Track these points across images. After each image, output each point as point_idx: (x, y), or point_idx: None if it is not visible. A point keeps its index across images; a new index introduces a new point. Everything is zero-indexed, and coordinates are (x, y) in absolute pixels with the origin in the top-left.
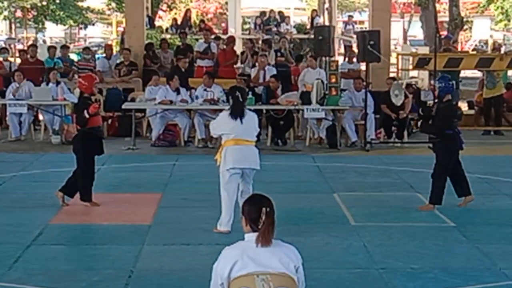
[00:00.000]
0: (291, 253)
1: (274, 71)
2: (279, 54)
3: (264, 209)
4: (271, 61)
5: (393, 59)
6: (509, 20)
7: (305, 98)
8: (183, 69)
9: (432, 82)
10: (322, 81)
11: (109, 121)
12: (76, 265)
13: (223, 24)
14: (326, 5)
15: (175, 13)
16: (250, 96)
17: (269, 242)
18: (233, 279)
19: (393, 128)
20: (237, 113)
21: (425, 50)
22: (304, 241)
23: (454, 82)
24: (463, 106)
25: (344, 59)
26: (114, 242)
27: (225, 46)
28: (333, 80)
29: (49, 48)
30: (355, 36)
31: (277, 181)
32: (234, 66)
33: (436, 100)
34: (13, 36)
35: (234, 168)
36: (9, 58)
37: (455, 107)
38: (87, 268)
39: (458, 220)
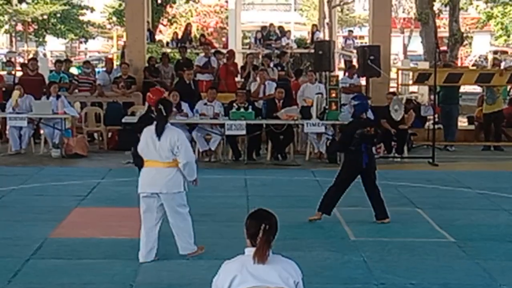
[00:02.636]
0: (290, 268)
1: (274, 85)
2: (279, 68)
3: (263, 225)
4: (272, 75)
5: (393, 74)
6: (508, 36)
7: (305, 112)
8: (187, 81)
9: (432, 97)
10: (322, 94)
11: (109, 135)
12: (75, 279)
13: (223, 39)
14: (327, 20)
15: (176, 28)
16: (250, 110)
17: (264, 260)
18: None
19: (393, 143)
20: (157, 130)
21: (425, 65)
22: (303, 256)
23: (368, 101)
24: (463, 121)
25: (344, 74)
26: (114, 256)
27: (225, 60)
28: (333, 95)
29: (56, 62)
30: (355, 51)
31: (276, 195)
32: (235, 79)
33: (352, 118)
34: (13, 49)
35: (142, 192)
36: (12, 72)
37: (364, 124)
38: (86, 282)
39: (458, 236)
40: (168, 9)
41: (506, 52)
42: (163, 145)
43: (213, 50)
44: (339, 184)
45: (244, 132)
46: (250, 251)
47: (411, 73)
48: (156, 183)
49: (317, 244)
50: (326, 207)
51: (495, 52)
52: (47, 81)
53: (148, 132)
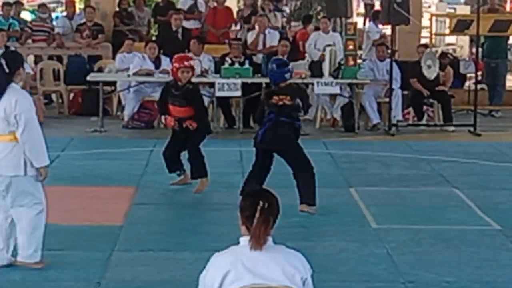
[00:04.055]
0: (297, 261)
1: (277, 35)
2: (285, 14)
3: (261, 202)
4: (275, 22)
5: (425, 21)
6: None
7: (316, 69)
8: (174, 28)
9: (473, 50)
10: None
11: (71, 96)
12: (29, 276)
13: None
14: None
15: None
16: (246, 66)
17: (261, 245)
18: None
19: (425, 107)
20: None
21: (465, 10)
22: (313, 247)
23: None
24: None
25: (365, 21)
26: (77, 247)
27: (215, 4)
28: (351, 47)
29: (3, 5)
30: None
31: (279, 172)
32: (228, 27)
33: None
34: None
35: None
36: None
37: (276, 93)
38: (44, 278)
39: (505, 222)
40: None
41: None
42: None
43: None
44: (253, 165)
45: (239, 93)
46: (246, 240)
47: (447, 20)
48: None
49: (330, 232)
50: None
51: None
52: None
53: None
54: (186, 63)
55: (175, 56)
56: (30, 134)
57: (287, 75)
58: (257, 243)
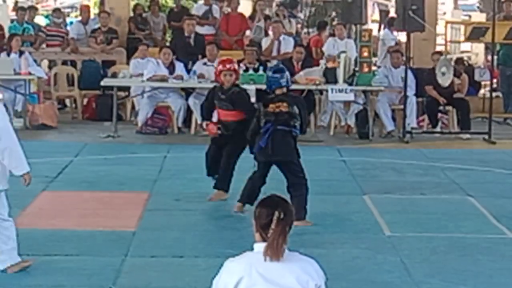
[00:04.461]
0: (311, 269)
1: (292, 42)
2: (299, 20)
3: (277, 213)
4: (289, 29)
5: (440, 29)
6: None
7: (330, 75)
8: (187, 34)
9: (489, 58)
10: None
11: (85, 101)
12: (43, 281)
13: None
14: None
15: None
16: (261, 72)
17: (278, 256)
18: None
19: (440, 114)
20: None
21: (480, 17)
22: (327, 254)
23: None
24: None
25: (380, 28)
26: (90, 252)
27: (229, 9)
28: (365, 53)
29: (18, 10)
30: None
31: None
32: (244, 35)
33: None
34: None
35: None
36: None
37: (272, 101)
38: (56, 284)
39: None
40: None
41: None
42: None
43: None
44: (253, 173)
45: (253, 99)
46: (260, 247)
47: (462, 27)
48: None
49: (343, 240)
50: (248, 197)
51: None
52: (7, 34)
53: None
54: (228, 65)
55: (219, 59)
56: (6, 143)
57: (283, 81)
58: (275, 255)
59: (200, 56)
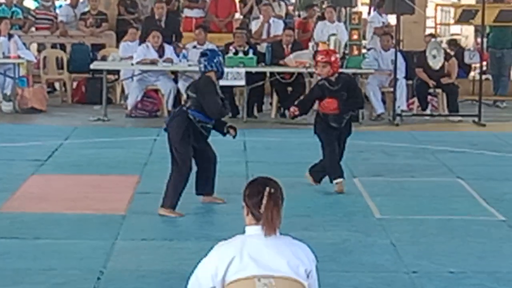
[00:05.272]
0: (301, 253)
1: (282, 25)
2: (289, 2)
3: (268, 188)
4: (279, 11)
5: (430, 11)
6: None
7: None
8: (157, 17)
9: (478, 40)
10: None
11: (74, 84)
12: (32, 264)
13: None
14: None
15: None
16: (251, 55)
17: (274, 230)
18: (229, 283)
19: (429, 97)
20: None
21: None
22: (316, 237)
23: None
24: None
25: (370, 10)
26: (80, 235)
27: None
28: (355, 36)
29: None
30: None
31: (283, 162)
32: (234, 18)
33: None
34: None
35: None
36: None
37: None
38: (46, 268)
39: (509, 213)
40: None
41: None
42: None
43: None
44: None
45: (243, 82)
46: (251, 230)
47: (452, 10)
48: None
49: (333, 222)
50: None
51: None
52: None
53: None
54: (319, 57)
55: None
56: None
57: (201, 66)
58: (270, 229)
59: (174, 37)
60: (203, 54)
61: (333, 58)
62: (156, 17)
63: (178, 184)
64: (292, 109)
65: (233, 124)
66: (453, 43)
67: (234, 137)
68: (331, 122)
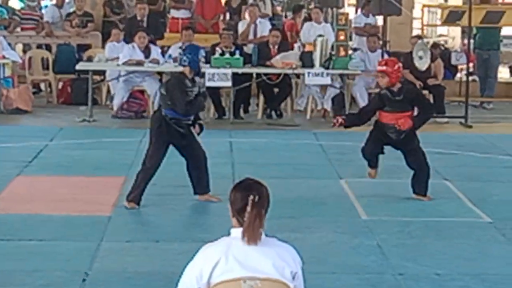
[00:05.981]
0: (287, 255)
1: (268, 25)
2: (275, 2)
3: (251, 196)
4: (264, 11)
5: (417, 12)
6: None
7: (307, 59)
8: (139, 18)
9: (465, 41)
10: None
11: (60, 85)
12: (18, 266)
13: None
14: None
15: None
16: (237, 56)
17: (256, 240)
18: (215, 285)
19: None
20: None
21: (457, 1)
22: (303, 239)
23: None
24: (505, 72)
25: (357, 11)
26: (66, 237)
27: None
28: (342, 37)
29: None
30: None
31: (269, 163)
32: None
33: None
34: None
35: None
36: None
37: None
38: (31, 269)
39: (495, 215)
40: None
41: None
42: None
43: None
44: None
45: (229, 83)
46: (236, 232)
47: (439, 11)
48: None
49: (320, 224)
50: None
51: None
52: None
53: None
54: (379, 67)
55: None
56: None
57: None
58: (252, 239)
59: (152, 36)
60: (183, 50)
61: (390, 69)
62: (138, 18)
63: (142, 178)
64: (339, 119)
65: (202, 122)
66: (435, 46)
67: (198, 134)
68: (389, 132)
